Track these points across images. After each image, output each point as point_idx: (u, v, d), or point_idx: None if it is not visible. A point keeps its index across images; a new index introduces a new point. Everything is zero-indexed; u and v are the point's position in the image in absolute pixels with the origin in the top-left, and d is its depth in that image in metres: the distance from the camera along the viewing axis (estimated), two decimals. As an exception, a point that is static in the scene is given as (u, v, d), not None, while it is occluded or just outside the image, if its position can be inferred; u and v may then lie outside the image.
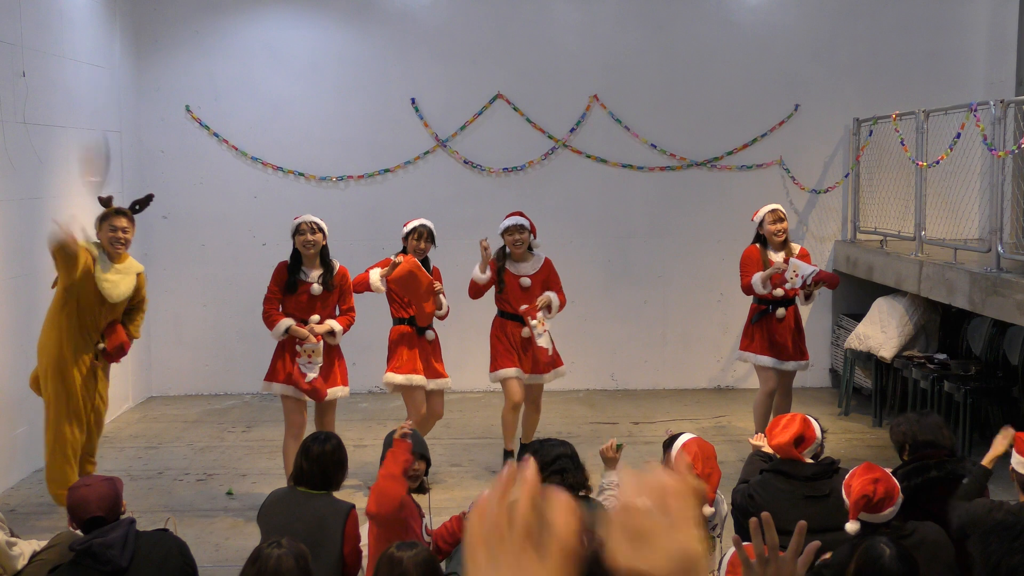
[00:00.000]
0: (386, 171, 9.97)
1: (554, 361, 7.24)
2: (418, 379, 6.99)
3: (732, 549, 3.63)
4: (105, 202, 6.31)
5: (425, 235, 7.00)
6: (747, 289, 7.48)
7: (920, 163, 8.25)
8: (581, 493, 4.74)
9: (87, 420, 6.38)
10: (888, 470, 4.27)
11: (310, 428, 6.78)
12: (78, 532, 4.03)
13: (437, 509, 5.62)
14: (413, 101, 9.92)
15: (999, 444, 4.56)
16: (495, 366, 7.18)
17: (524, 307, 7.09)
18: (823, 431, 4.95)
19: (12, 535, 4.53)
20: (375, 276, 6.85)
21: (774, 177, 10.09)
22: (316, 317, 6.64)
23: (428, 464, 4.98)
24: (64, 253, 5.95)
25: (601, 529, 1.25)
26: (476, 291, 7.19)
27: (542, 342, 7.04)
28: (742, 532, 4.42)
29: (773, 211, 7.48)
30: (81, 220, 6.32)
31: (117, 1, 9.37)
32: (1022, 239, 6.97)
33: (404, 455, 4.58)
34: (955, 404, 7.76)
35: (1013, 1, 9.68)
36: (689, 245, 10.13)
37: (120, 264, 6.30)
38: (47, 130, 7.87)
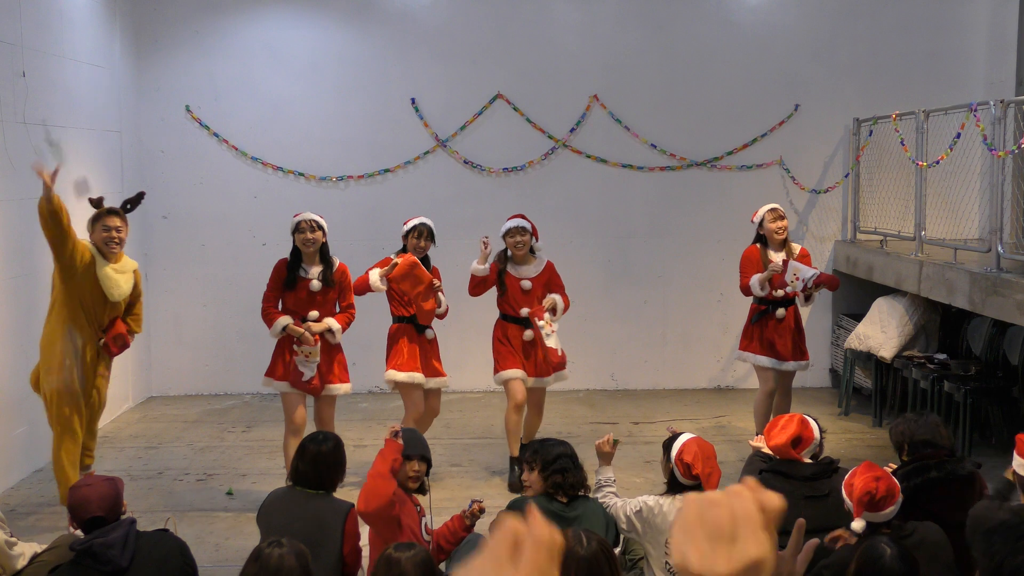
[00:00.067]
0: (386, 171, 9.97)
1: (562, 362, 7.19)
2: (419, 377, 7.01)
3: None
4: (96, 203, 6.29)
5: (425, 233, 7.01)
6: (745, 290, 7.49)
7: (920, 163, 8.25)
8: (580, 492, 4.75)
9: (87, 408, 6.38)
10: (888, 469, 4.28)
11: (310, 425, 6.81)
12: (78, 532, 4.04)
13: (437, 509, 5.62)
14: (413, 101, 9.92)
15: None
16: (499, 367, 7.14)
17: (526, 310, 7.05)
18: (822, 431, 4.96)
19: (12, 535, 4.53)
20: (375, 275, 6.84)
21: (774, 177, 10.09)
22: (315, 313, 6.65)
23: (429, 465, 4.98)
24: (49, 207, 5.87)
25: (673, 532, 1.27)
26: (475, 284, 7.13)
27: (551, 343, 7.01)
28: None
29: (773, 210, 7.48)
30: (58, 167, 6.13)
31: (117, 1, 9.37)
32: (1022, 239, 6.97)
33: (393, 454, 4.59)
34: (955, 404, 7.76)
35: (1013, 1, 9.68)
36: (689, 245, 10.13)
37: (117, 264, 6.29)
38: (47, 130, 7.87)
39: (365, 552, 4.70)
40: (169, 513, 5.61)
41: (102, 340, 6.37)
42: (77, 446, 6.34)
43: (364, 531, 4.71)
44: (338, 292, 6.78)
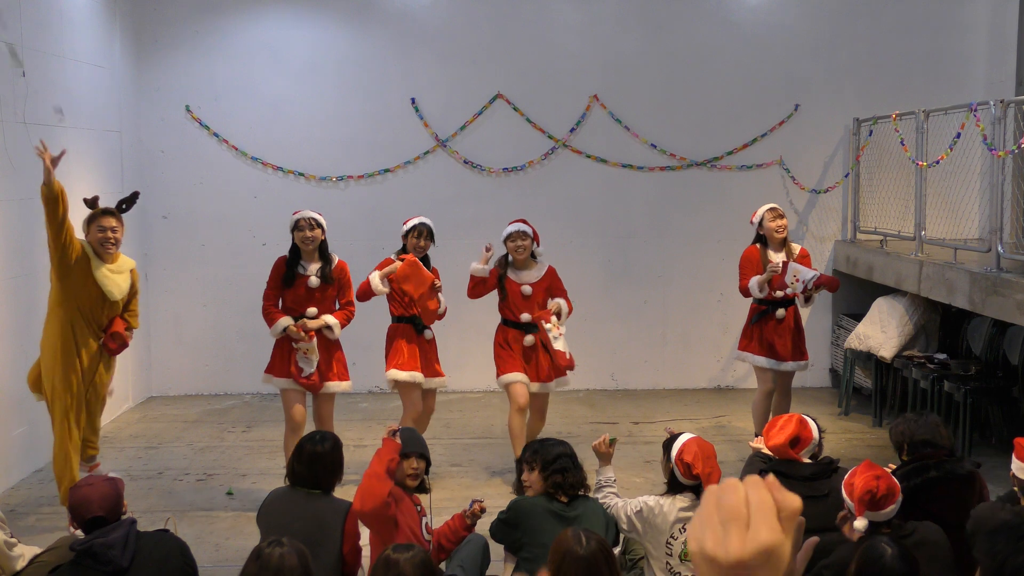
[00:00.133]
0: (386, 171, 9.97)
1: (570, 365, 7.15)
2: (419, 377, 7.04)
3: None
4: (91, 203, 6.27)
5: (425, 233, 7.02)
6: (744, 292, 7.48)
7: (920, 163, 8.25)
8: (580, 492, 4.75)
9: (87, 404, 6.38)
10: (888, 469, 4.27)
11: (310, 423, 6.81)
12: (79, 532, 4.04)
13: (437, 509, 5.62)
14: (413, 101, 9.92)
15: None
16: (500, 371, 7.12)
17: (527, 315, 7.02)
18: (821, 431, 4.96)
19: (13, 536, 4.53)
20: (376, 277, 6.86)
21: (774, 177, 10.09)
22: (313, 310, 6.67)
23: (428, 463, 4.98)
24: (49, 193, 5.87)
25: (692, 522, 1.29)
26: (473, 285, 7.12)
27: (559, 346, 7.00)
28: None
29: (772, 209, 7.48)
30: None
31: (117, 1, 9.37)
32: (1022, 239, 6.97)
33: (390, 454, 4.58)
34: (955, 404, 7.76)
35: (1013, 1, 9.68)
36: (689, 245, 10.13)
37: (113, 264, 6.28)
38: (47, 130, 7.86)
39: (365, 552, 4.70)
40: (169, 513, 5.61)
41: (101, 340, 6.36)
42: (77, 447, 6.34)
43: (364, 531, 4.71)
44: (337, 289, 6.79)
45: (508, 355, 7.09)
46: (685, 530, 4.56)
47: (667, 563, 4.56)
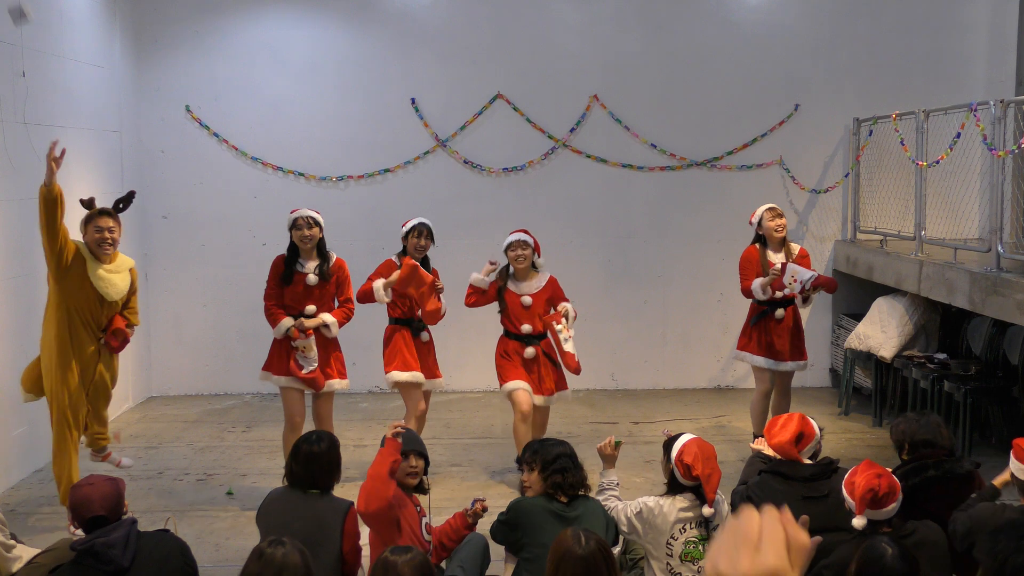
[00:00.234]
0: (386, 171, 9.97)
1: (578, 368, 7.15)
2: (420, 377, 7.08)
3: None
4: (87, 204, 6.25)
5: (425, 233, 7.03)
6: (747, 293, 7.48)
7: (920, 163, 8.25)
8: (580, 492, 4.75)
9: (90, 402, 6.38)
10: (888, 469, 4.28)
11: (309, 422, 6.81)
12: (79, 532, 4.04)
13: (437, 509, 5.62)
14: (413, 101, 9.92)
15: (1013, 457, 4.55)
16: (503, 380, 7.09)
17: (527, 327, 7.02)
18: (820, 429, 4.97)
19: (13, 538, 4.53)
20: (378, 285, 6.87)
21: (774, 177, 10.09)
22: (312, 308, 6.69)
23: (426, 461, 4.98)
24: (49, 194, 5.87)
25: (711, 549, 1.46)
26: (471, 294, 7.14)
27: (568, 347, 7.00)
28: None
29: (771, 209, 7.48)
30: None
31: (117, 1, 9.37)
32: (1022, 239, 6.97)
33: (393, 455, 4.58)
34: (955, 404, 7.76)
35: (1013, 1, 9.68)
36: (689, 245, 10.13)
37: (111, 264, 6.27)
38: (47, 130, 7.86)
39: (365, 552, 4.70)
40: (169, 513, 5.61)
41: (102, 339, 6.36)
42: (77, 447, 6.34)
43: (364, 530, 4.71)
44: (335, 286, 6.80)
45: (510, 364, 7.08)
46: (685, 530, 4.56)
47: (667, 563, 4.56)
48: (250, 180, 9.92)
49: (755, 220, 7.52)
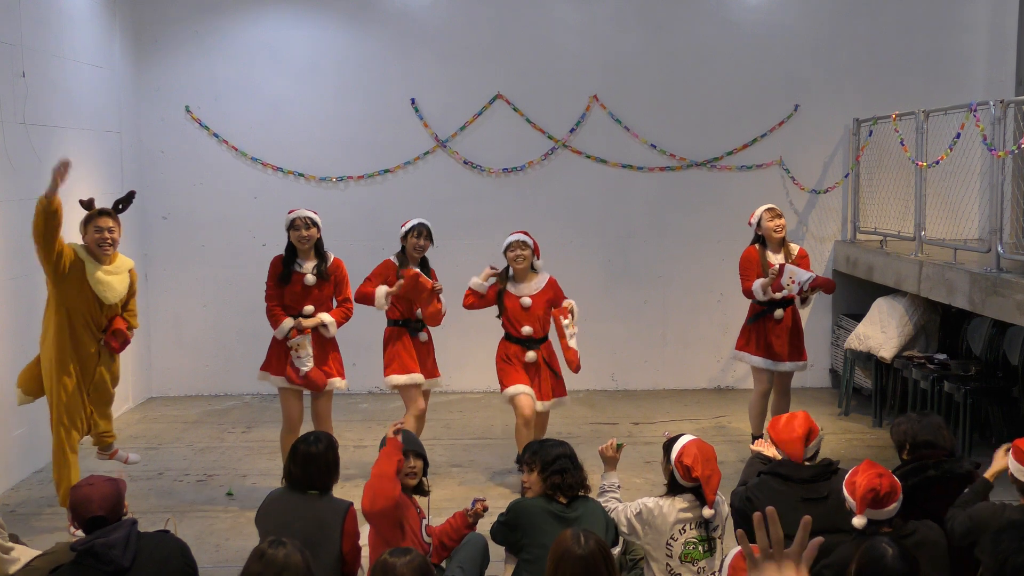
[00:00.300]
0: (386, 171, 9.97)
1: (579, 366, 7.16)
2: (418, 378, 7.09)
3: (733, 551, 3.63)
4: (87, 204, 6.25)
5: (424, 233, 7.05)
6: (748, 294, 7.47)
7: (920, 163, 8.25)
8: (580, 493, 4.75)
9: (88, 406, 6.38)
10: (889, 470, 4.28)
11: (307, 422, 6.81)
12: (79, 532, 4.04)
13: (437, 509, 5.63)
14: (413, 101, 9.92)
15: (1000, 459, 4.56)
16: (505, 384, 7.10)
17: (528, 328, 7.02)
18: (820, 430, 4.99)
19: (15, 540, 4.53)
20: (380, 294, 6.88)
21: (774, 177, 10.09)
22: (310, 308, 6.70)
23: (425, 462, 4.98)
24: (50, 207, 5.88)
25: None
26: (470, 296, 7.15)
27: (573, 343, 7.02)
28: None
29: (770, 209, 7.48)
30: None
31: (117, 1, 9.37)
32: (1022, 239, 6.96)
33: (397, 454, 4.58)
34: (955, 404, 7.76)
35: (1013, 1, 9.68)
36: (689, 245, 10.13)
37: (110, 265, 6.26)
38: (47, 130, 7.87)
39: (364, 552, 4.70)
40: (169, 514, 5.61)
41: (102, 340, 6.36)
42: (76, 450, 6.33)
43: (363, 530, 4.71)
44: (333, 286, 6.81)
45: (511, 369, 7.08)
46: (685, 531, 4.56)
47: (667, 564, 4.56)
48: (250, 180, 9.92)
49: (754, 220, 7.51)
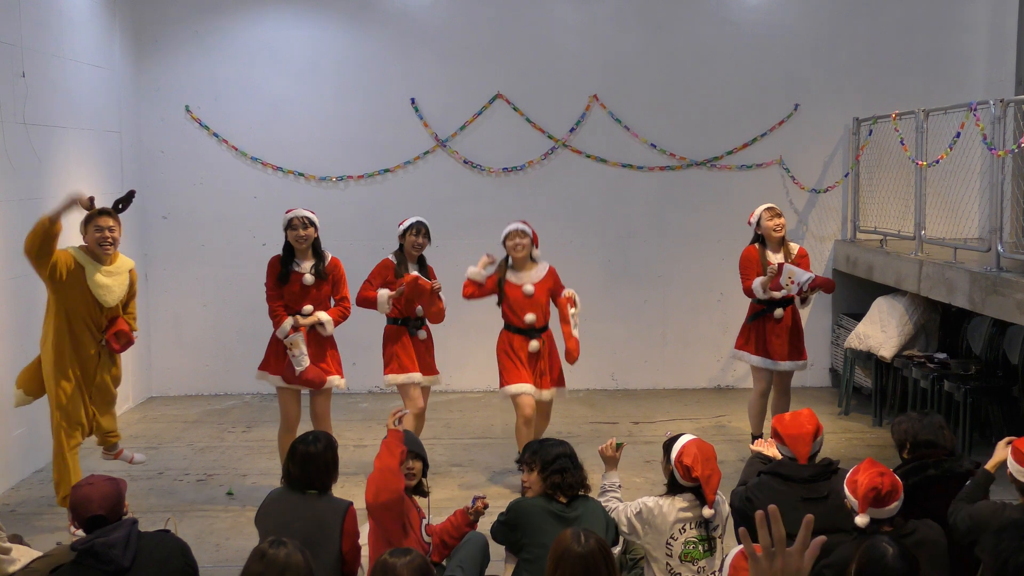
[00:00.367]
0: (386, 171, 9.97)
1: (577, 356, 7.20)
2: (417, 377, 7.11)
3: (734, 551, 3.63)
4: (87, 204, 6.26)
5: (423, 231, 7.08)
6: (748, 292, 7.48)
7: (920, 163, 8.25)
8: (580, 492, 4.75)
9: (90, 409, 6.38)
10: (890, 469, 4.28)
11: (305, 422, 6.81)
12: (79, 532, 4.04)
13: (437, 509, 5.62)
14: (413, 101, 9.92)
15: (1001, 451, 4.56)
16: (505, 380, 7.11)
17: (531, 316, 7.03)
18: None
19: (18, 540, 4.52)
20: (383, 299, 6.91)
21: (774, 177, 10.09)
22: (309, 308, 6.71)
23: (425, 464, 4.98)
24: (51, 230, 5.90)
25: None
26: (468, 287, 7.13)
27: (576, 333, 7.05)
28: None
29: (769, 208, 7.48)
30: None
31: (117, 1, 9.37)
32: (1022, 239, 6.97)
33: (400, 445, 4.58)
34: (955, 404, 7.76)
35: (1013, 1, 9.68)
36: (689, 245, 10.13)
37: (110, 266, 6.26)
38: (47, 130, 7.87)
39: (364, 551, 4.69)
40: (169, 513, 5.61)
41: (103, 340, 6.36)
42: (75, 452, 6.33)
43: (363, 530, 4.71)
44: (331, 285, 6.82)
45: (513, 365, 7.08)
46: (685, 531, 4.56)
47: (667, 564, 4.56)
48: (250, 180, 9.92)
49: (754, 220, 7.51)
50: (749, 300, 7.61)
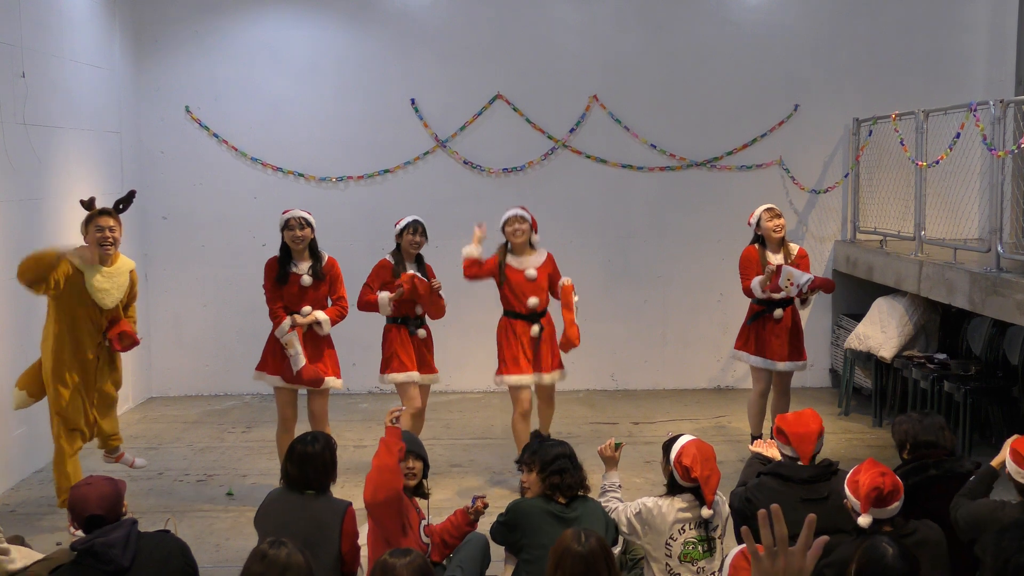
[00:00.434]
0: (386, 171, 9.97)
1: (563, 357, 7.18)
2: (415, 376, 7.10)
3: (734, 551, 3.63)
4: (87, 204, 6.24)
5: (420, 229, 7.08)
6: (748, 292, 7.48)
7: (920, 163, 8.25)
8: (580, 493, 4.74)
9: (91, 413, 6.38)
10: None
11: (303, 422, 6.81)
12: (79, 533, 4.04)
13: (437, 509, 5.63)
14: (413, 101, 9.92)
15: (1007, 449, 4.56)
16: (503, 370, 7.12)
17: (533, 300, 7.04)
18: None
19: (19, 542, 4.52)
20: (384, 301, 6.91)
21: (774, 177, 10.09)
22: (307, 308, 6.71)
23: (426, 465, 4.97)
24: (55, 263, 5.92)
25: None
26: (468, 266, 7.10)
27: (578, 319, 7.06)
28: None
29: (769, 209, 7.48)
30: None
31: (117, 1, 9.37)
32: (1022, 239, 6.96)
33: (398, 443, 4.57)
34: (955, 404, 7.76)
35: (1013, 1, 9.68)
36: (689, 245, 10.13)
37: (110, 268, 6.25)
38: (47, 130, 7.87)
39: (364, 552, 4.69)
40: (169, 514, 5.61)
41: (104, 341, 6.36)
42: (75, 455, 6.32)
43: (362, 530, 4.71)
44: (328, 285, 6.82)
45: (511, 355, 7.07)
46: (684, 531, 4.56)
47: (666, 564, 4.56)
48: (250, 181, 9.92)
49: (753, 220, 7.51)
50: (749, 300, 7.61)
